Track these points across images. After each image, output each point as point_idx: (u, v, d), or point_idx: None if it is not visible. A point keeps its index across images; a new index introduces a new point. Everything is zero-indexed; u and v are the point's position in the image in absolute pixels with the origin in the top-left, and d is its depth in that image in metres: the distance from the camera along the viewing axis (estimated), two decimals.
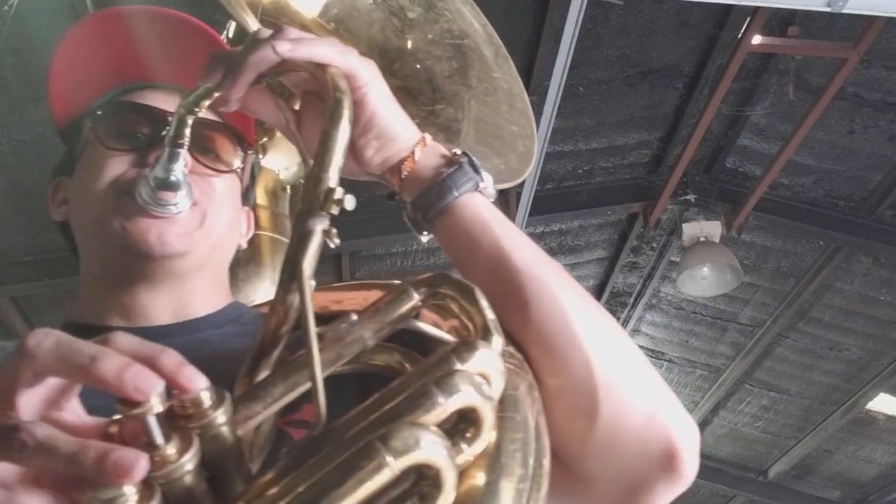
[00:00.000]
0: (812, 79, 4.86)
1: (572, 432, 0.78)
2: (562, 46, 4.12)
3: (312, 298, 0.62)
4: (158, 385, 0.51)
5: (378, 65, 0.84)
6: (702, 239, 5.82)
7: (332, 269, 5.93)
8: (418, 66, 0.97)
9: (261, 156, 1.80)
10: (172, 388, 0.54)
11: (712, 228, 5.82)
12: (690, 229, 5.87)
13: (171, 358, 0.54)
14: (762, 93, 5.12)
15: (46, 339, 0.53)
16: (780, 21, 4.53)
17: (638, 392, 0.80)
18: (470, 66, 0.97)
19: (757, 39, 4.50)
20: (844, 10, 3.38)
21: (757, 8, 4.24)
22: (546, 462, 0.63)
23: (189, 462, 0.52)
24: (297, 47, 0.77)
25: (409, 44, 0.96)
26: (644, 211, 5.99)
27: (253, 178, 1.20)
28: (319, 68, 0.78)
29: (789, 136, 5.08)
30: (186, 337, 0.97)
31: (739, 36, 4.54)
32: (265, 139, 1.78)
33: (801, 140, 5.03)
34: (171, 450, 0.51)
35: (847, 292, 6.29)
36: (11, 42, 3.70)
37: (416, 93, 0.98)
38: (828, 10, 3.40)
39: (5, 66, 3.88)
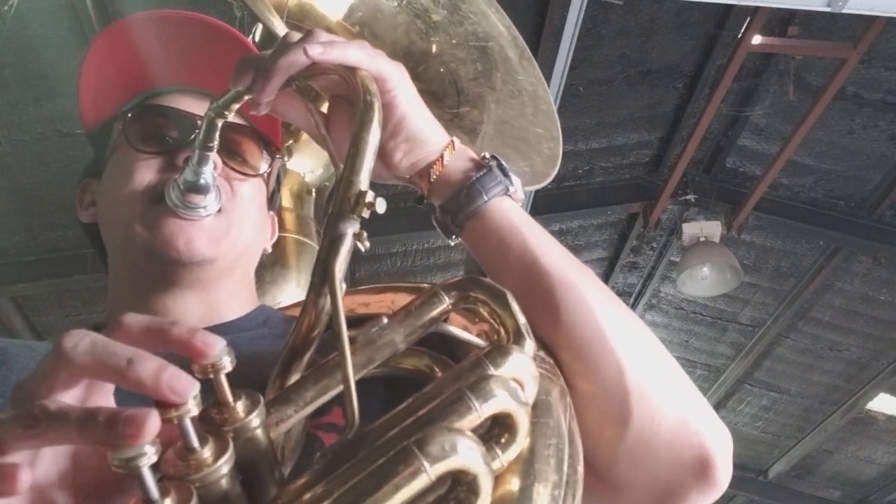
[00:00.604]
0: (812, 79, 4.86)
1: (603, 437, 0.77)
2: (562, 46, 4.11)
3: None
4: (195, 387, 0.51)
5: None
6: (702, 239, 5.82)
7: None
8: (442, 69, 0.96)
9: (286, 158, 1.80)
10: (189, 355, 0.53)
11: (712, 228, 5.82)
12: (690, 229, 5.86)
13: (181, 327, 0.54)
14: (762, 93, 5.11)
15: (83, 340, 0.52)
16: (780, 21, 4.53)
17: (670, 397, 0.79)
18: (494, 69, 0.97)
19: (757, 39, 4.50)
20: (844, 10, 3.38)
21: (757, 8, 4.24)
22: (580, 468, 0.62)
23: (224, 465, 0.51)
24: (329, 50, 0.77)
25: (434, 47, 0.96)
26: (644, 211, 5.99)
27: (278, 183, 1.21)
28: (349, 71, 0.78)
29: (789, 136, 5.08)
30: None
31: (739, 36, 4.54)
32: (290, 142, 1.76)
33: (801, 140, 5.03)
34: (206, 453, 0.51)
35: (847, 292, 6.29)
36: (11, 42, 3.69)
37: (441, 95, 0.98)
38: (828, 10, 3.40)
39: (5, 66, 3.87)
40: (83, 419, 0.49)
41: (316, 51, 0.76)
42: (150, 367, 0.51)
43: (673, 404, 0.78)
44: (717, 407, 8.05)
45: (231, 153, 1.05)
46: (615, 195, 5.93)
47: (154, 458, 0.48)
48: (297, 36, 0.78)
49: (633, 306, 7.13)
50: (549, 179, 1.00)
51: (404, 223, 5.35)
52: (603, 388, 0.76)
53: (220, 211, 0.99)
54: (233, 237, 1.01)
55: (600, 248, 6.56)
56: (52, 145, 4.36)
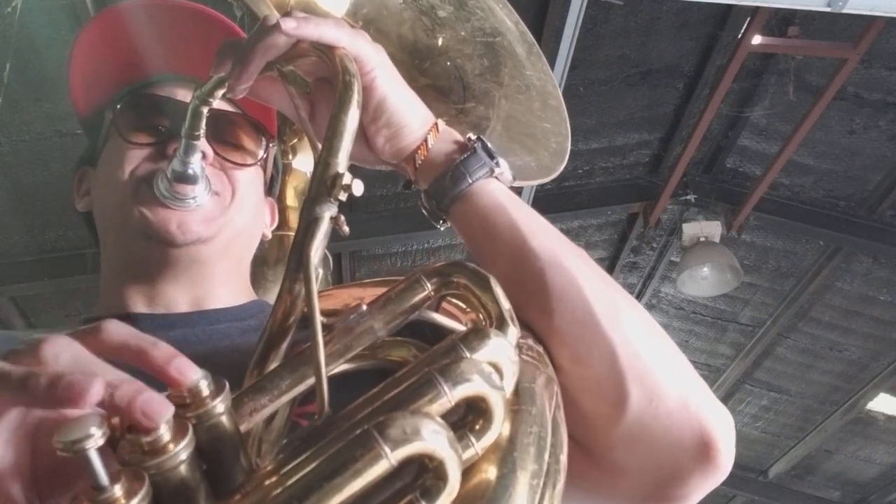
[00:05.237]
0: (812, 79, 4.85)
1: (599, 422, 0.75)
2: (562, 46, 4.11)
3: (334, 295, 0.60)
4: (168, 412, 0.49)
5: (408, 64, 0.82)
6: (702, 239, 5.80)
7: (333, 269, 5.91)
8: (449, 64, 0.95)
9: (291, 157, 1.78)
10: (163, 381, 0.52)
11: (712, 228, 5.81)
12: (690, 229, 5.85)
13: (161, 351, 0.52)
14: (762, 93, 5.10)
15: (65, 352, 0.52)
16: (780, 21, 4.52)
17: (668, 379, 0.76)
18: (502, 64, 0.96)
19: (757, 39, 4.48)
20: (844, 10, 3.37)
21: (757, 8, 4.23)
22: (563, 458, 0.60)
23: (183, 451, 0.49)
24: (303, 26, 0.75)
25: (440, 42, 0.95)
26: (644, 211, 5.97)
27: (277, 169, 1.20)
28: (327, 51, 0.76)
29: (789, 136, 5.06)
30: (206, 327, 0.96)
31: (739, 36, 4.53)
32: (295, 140, 1.74)
33: (801, 140, 5.02)
34: (164, 439, 0.49)
35: (847, 292, 6.27)
36: (12, 42, 3.68)
37: (447, 91, 0.97)
38: (828, 10, 3.39)
39: (5, 67, 3.87)
40: (23, 378, 0.49)
41: (290, 25, 0.74)
42: (127, 392, 0.49)
43: (671, 386, 0.75)
44: None
45: (225, 142, 1.04)
46: (615, 195, 5.91)
47: (100, 441, 0.46)
48: (275, 19, 0.77)
49: None
50: (556, 174, 0.98)
51: (404, 223, 5.35)
52: (597, 371, 0.74)
53: (216, 194, 0.99)
54: (228, 217, 1.00)
55: (600, 248, 6.54)
56: (52, 145, 4.36)
